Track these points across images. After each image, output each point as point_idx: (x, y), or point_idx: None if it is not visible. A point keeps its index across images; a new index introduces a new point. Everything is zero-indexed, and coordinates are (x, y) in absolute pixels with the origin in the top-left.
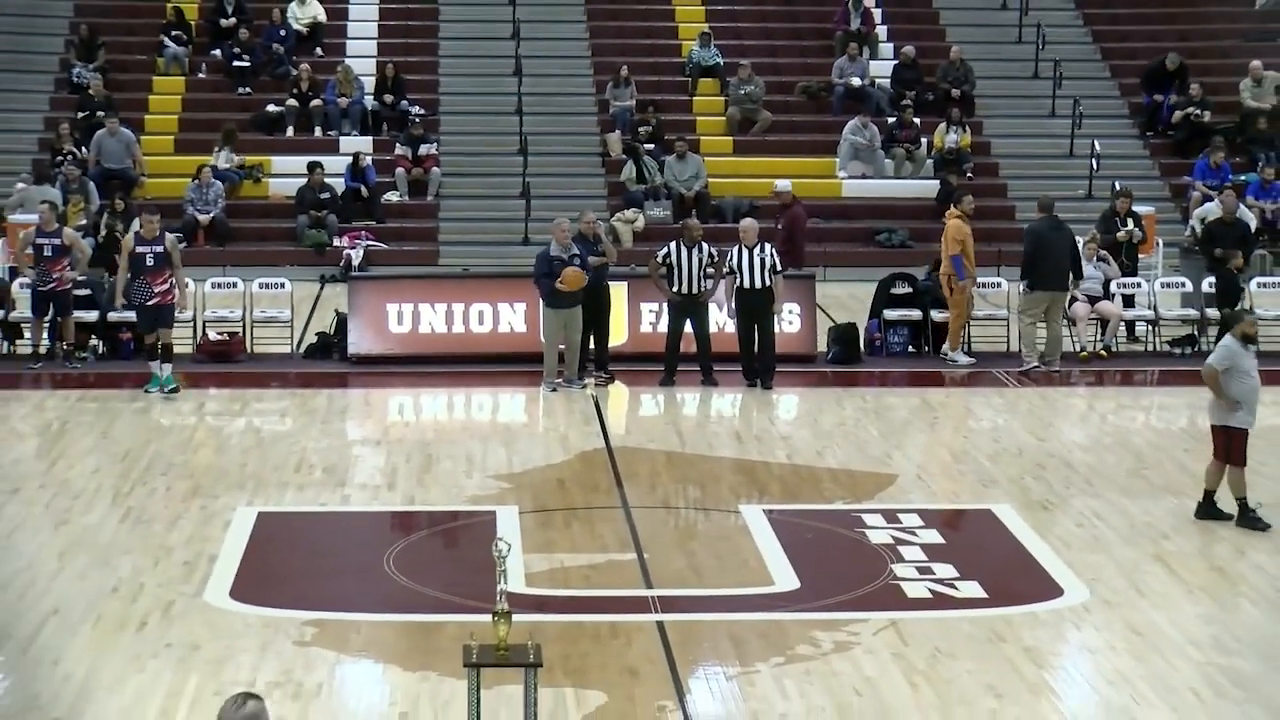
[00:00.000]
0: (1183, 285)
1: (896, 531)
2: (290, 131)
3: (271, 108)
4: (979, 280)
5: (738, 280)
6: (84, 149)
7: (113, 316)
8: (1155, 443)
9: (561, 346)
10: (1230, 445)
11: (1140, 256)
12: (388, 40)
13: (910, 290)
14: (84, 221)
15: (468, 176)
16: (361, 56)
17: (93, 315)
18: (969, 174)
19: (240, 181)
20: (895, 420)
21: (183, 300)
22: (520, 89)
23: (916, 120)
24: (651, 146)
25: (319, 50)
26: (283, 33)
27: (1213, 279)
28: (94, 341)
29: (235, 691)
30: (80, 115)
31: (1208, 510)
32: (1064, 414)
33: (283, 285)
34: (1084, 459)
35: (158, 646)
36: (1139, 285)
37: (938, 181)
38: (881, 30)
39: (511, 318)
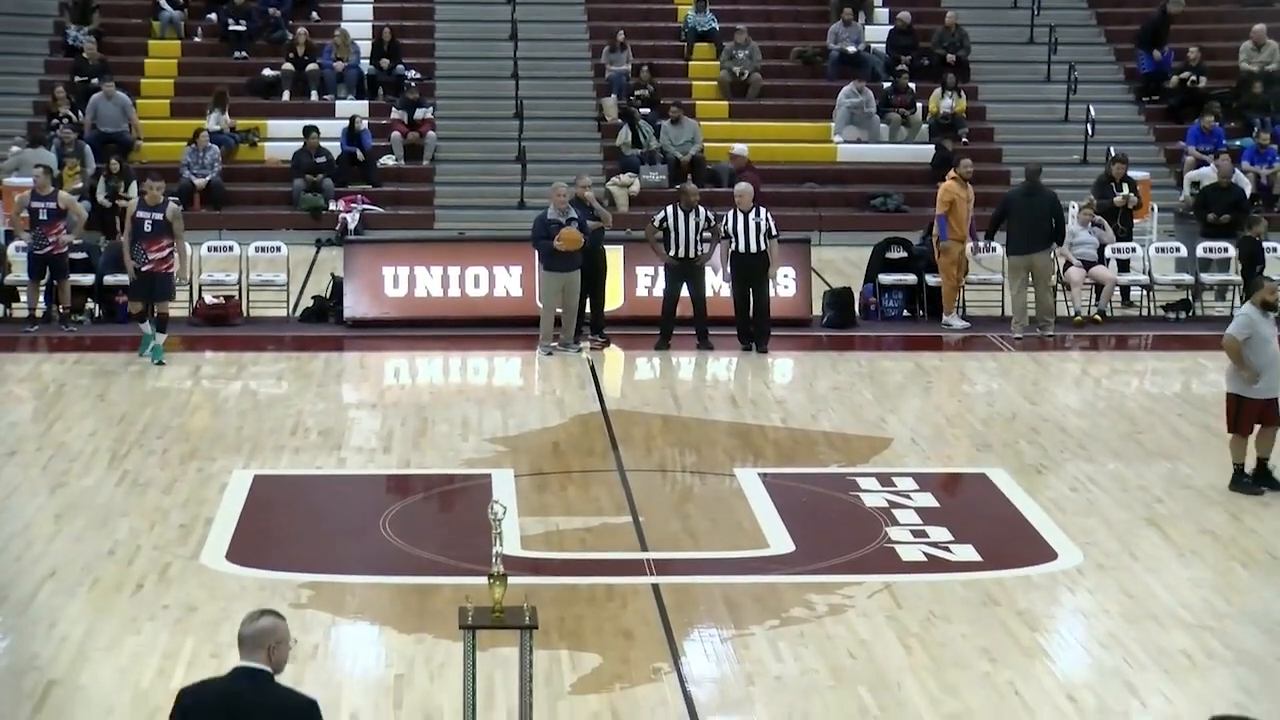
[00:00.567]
0: (1177, 250)
1: (891, 495)
2: (286, 96)
3: (268, 72)
4: (978, 245)
5: (733, 244)
6: (79, 113)
7: (109, 280)
8: (1149, 407)
9: (558, 310)
10: (1239, 414)
11: (1135, 221)
12: (384, 4)
13: (905, 255)
14: (80, 185)
15: (464, 141)
16: (358, 21)
17: (89, 279)
18: (964, 139)
19: (236, 145)
20: (890, 384)
21: (181, 270)
22: (516, 53)
23: (912, 85)
24: (647, 111)
25: (315, 14)
26: None
27: (1224, 245)
28: (90, 305)
29: (232, 657)
30: (76, 79)
31: (1246, 483)
32: (1058, 378)
33: (279, 249)
34: (1078, 423)
35: (155, 608)
36: (1134, 250)
37: (933, 147)
38: None
39: (507, 281)
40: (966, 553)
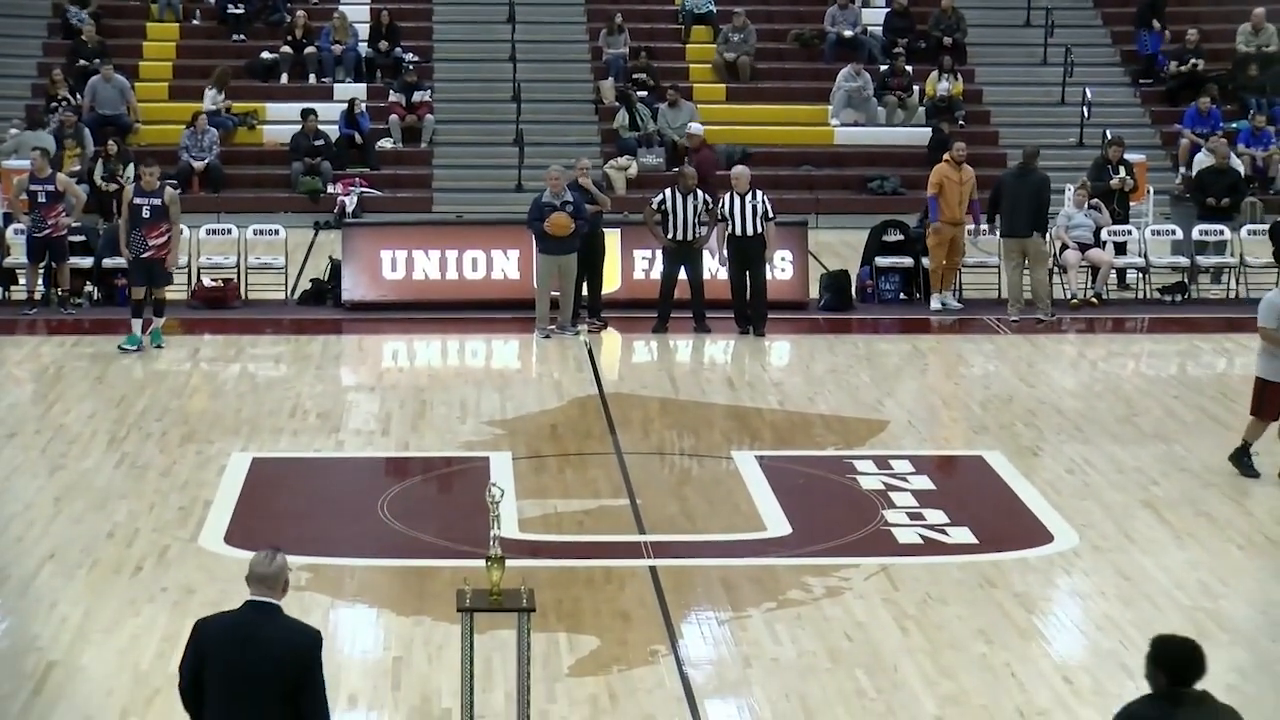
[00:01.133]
0: (1173, 233)
1: (888, 477)
2: (285, 78)
3: (266, 54)
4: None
5: (730, 227)
6: (78, 95)
7: (108, 263)
8: (1145, 389)
9: (555, 293)
10: (1263, 398)
11: (1131, 204)
12: None
13: (902, 238)
14: (79, 168)
15: (461, 124)
16: (356, 3)
17: (88, 261)
18: (961, 122)
19: (235, 128)
20: (887, 367)
21: (174, 256)
22: (514, 36)
23: (909, 68)
24: (645, 94)
25: None
26: None
27: (1220, 227)
28: (89, 288)
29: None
30: (76, 63)
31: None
32: (1054, 361)
33: (277, 232)
34: (1074, 406)
35: (153, 590)
36: (1130, 233)
37: (930, 129)
38: None
39: (505, 264)
40: (963, 535)
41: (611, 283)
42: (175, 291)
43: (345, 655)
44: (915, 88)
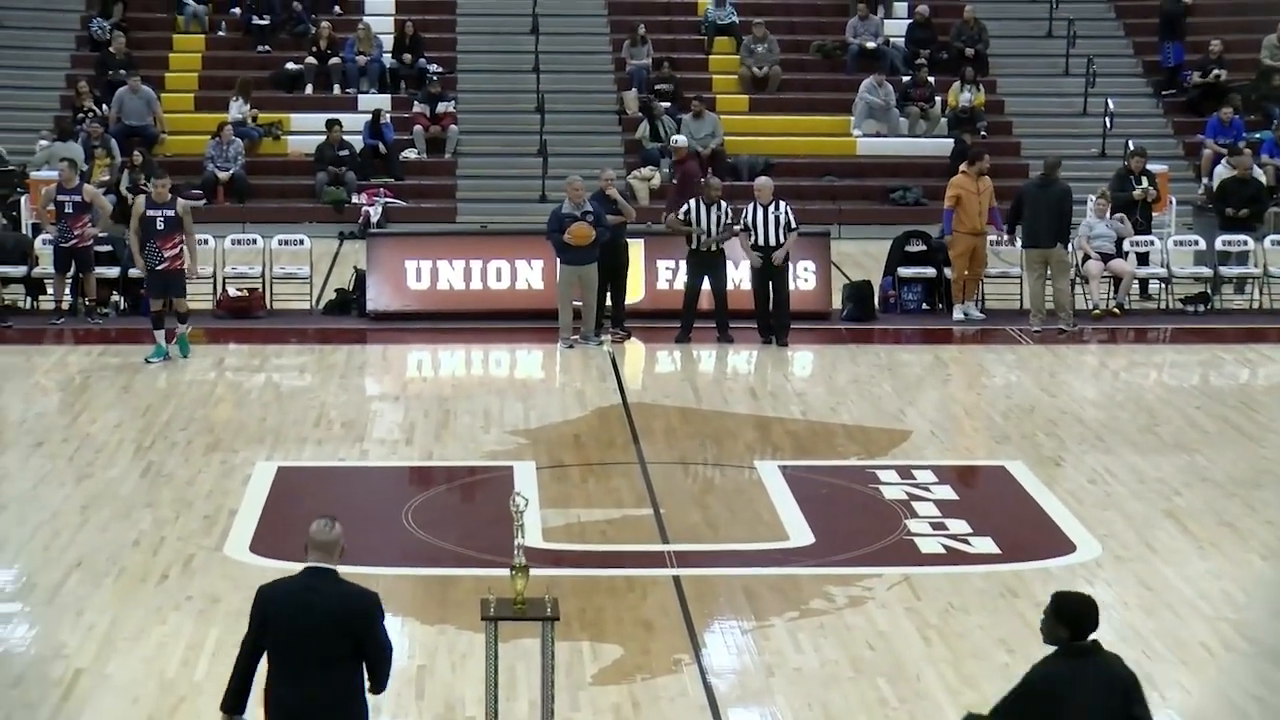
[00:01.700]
0: (1196, 243)
1: (910, 487)
2: (309, 89)
3: (291, 65)
4: (1001, 238)
5: (753, 238)
6: (105, 106)
7: (134, 272)
8: (1167, 400)
9: (578, 303)
10: None
11: (1154, 215)
12: None
13: (924, 248)
14: (107, 178)
15: (485, 134)
16: (380, 15)
17: (114, 271)
18: (983, 132)
19: (260, 139)
20: (909, 377)
21: (192, 266)
22: (537, 47)
23: (931, 79)
24: (668, 105)
25: (338, 8)
26: None
27: (1243, 238)
28: (115, 297)
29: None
30: (105, 75)
31: None
32: (1076, 371)
33: (302, 242)
34: (1096, 415)
35: (179, 599)
36: (1152, 243)
37: (952, 140)
38: None
39: (529, 274)
40: (985, 545)
41: (635, 293)
42: (200, 301)
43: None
44: (937, 98)
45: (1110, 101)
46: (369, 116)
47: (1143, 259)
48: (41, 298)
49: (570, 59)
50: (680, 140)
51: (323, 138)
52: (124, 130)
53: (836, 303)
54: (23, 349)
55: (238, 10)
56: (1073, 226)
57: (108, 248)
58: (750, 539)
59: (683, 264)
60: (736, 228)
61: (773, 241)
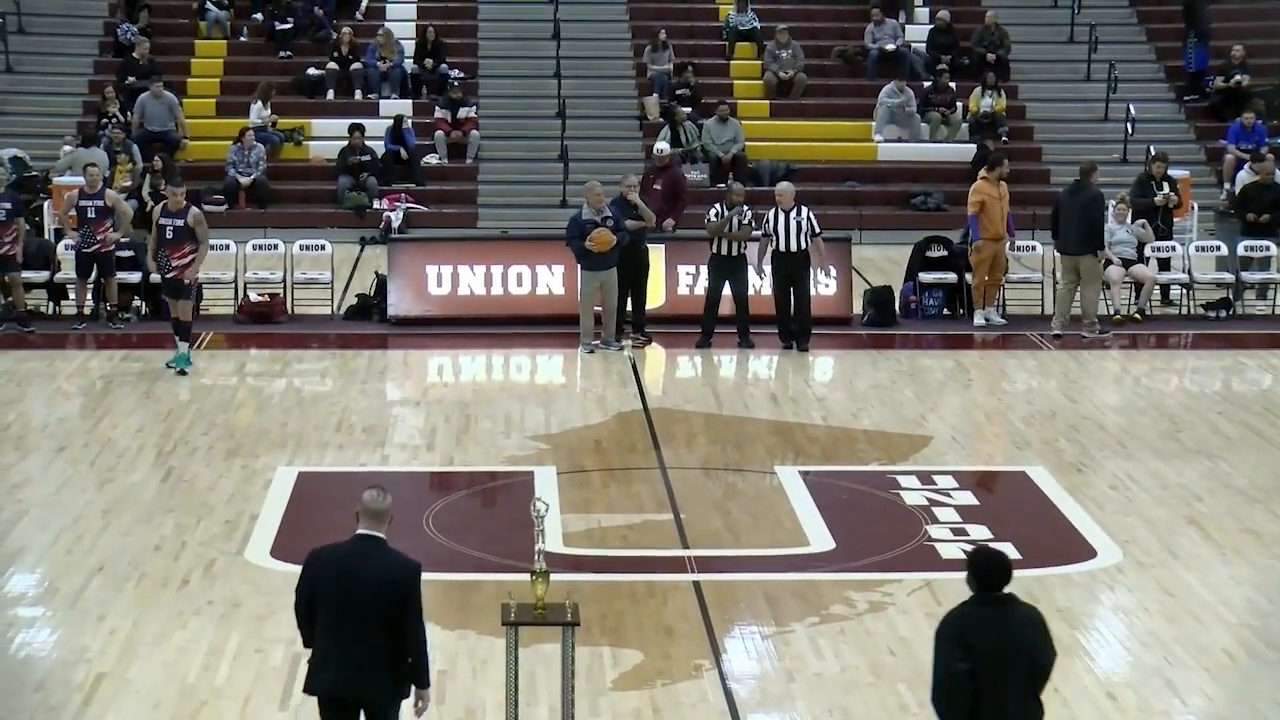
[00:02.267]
0: (1217, 249)
1: (931, 493)
2: (331, 94)
3: (312, 71)
4: (1015, 242)
5: (774, 243)
6: (128, 112)
7: (155, 278)
8: (1189, 405)
9: (599, 309)
10: None
11: (1175, 220)
12: (427, 4)
13: (945, 253)
14: (130, 184)
15: (506, 139)
16: (401, 20)
17: (136, 276)
18: (1004, 138)
19: (281, 144)
20: (930, 382)
21: (192, 271)
22: (558, 52)
23: (952, 84)
24: (689, 110)
25: (359, 14)
26: None
27: (1266, 243)
28: (137, 302)
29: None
30: (131, 80)
31: None
32: (1098, 377)
33: (323, 247)
34: (1117, 421)
35: (200, 603)
36: (1173, 249)
37: (973, 145)
38: None
39: (550, 280)
40: (1006, 551)
41: (655, 298)
42: (222, 306)
43: None
44: (958, 104)
45: (1132, 107)
46: (390, 122)
47: (1164, 264)
48: (63, 302)
49: (591, 64)
50: (663, 147)
51: (344, 143)
52: (146, 135)
53: (857, 308)
54: (45, 354)
55: (260, 16)
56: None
57: (129, 253)
58: (771, 544)
59: (703, 269)
60: (757, 233)
61: (794, 247)
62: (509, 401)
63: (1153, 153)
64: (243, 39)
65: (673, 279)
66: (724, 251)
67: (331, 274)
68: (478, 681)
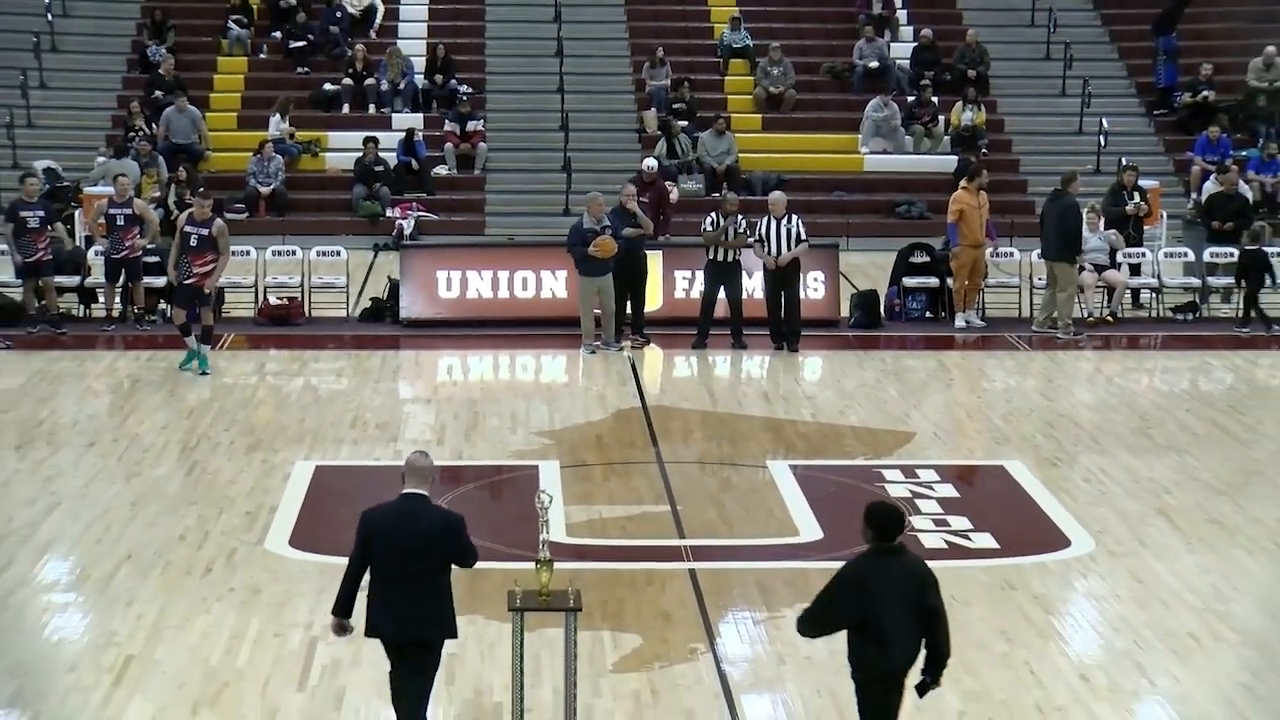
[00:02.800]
0: (1185, 255)
1: (914, 486)
2: (346, 109)
3: (328, 86)
4: (995, 249)
5: (766, 249)
6: (154, 125)
7: (162, 281)
8: (1158, 403)
9: (598, 311)
10: None
11: (1145, 228)
12: (437, 23)
13: (928, 259)
14: (157, 194)
15: (512, 151)
16: (412, 38)
17: (162, 281)
18: (984, 150)
19: (299, 155)
20: (913, 381)
21: (212, 280)
22: (562, 69)
23: (934, 99)
24: (685, 124)
25: (373, 32)
26: (339, 15)
27: (1230, 250)
28: (162, 306)
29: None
30: (157, 95)
31: None
32: (1072, 376)
33: (339, 253)
34: (1091, 418)
35: (222, 590)
36: (1144, 255)
37: (954, 157)
38: (902, 14)
39: (553, 284)
40: (985, 540)
41: (653, 301)
42: (242, 309)
43: None
44: (940, 118)
45: (1104, 120)
46: (403, 134)
47: (1135, 269)
48: (93, 306)
49: (593, 80)
50: (652, 164)
51: (359, 154)
52: (171, 148)
53: (845, 311)
54: (76, 354)
55: (279, 34)
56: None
57: (155, 259)
58: (763, 535)
59: (699, 274)
60: (751, 239)
61: (785, 251)
62: (515, 399)
63: (1124, 164)
64: (262, 56)
65: (670, 283)
66: (719, 258)
67: (347, 279)
68: (486, 663)
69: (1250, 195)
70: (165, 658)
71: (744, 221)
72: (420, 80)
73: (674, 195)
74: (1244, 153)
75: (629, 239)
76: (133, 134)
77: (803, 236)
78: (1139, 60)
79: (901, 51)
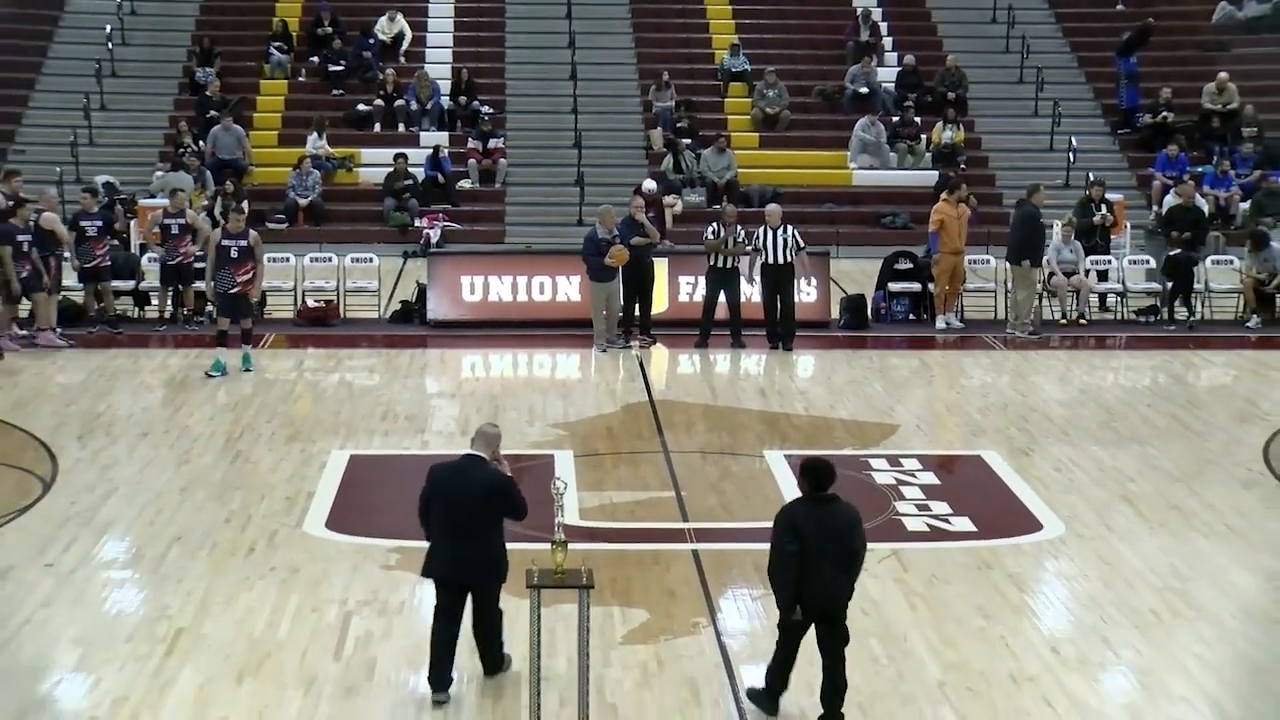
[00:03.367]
0: (1147, 262)
1: (898, 474)
2: (378, 127)
3: (361, 106)
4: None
5: (763, 256)
6: (202, 142)
7: (197, 286)
8: (1123, 399)
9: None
10: None
11: (1111, 237)
12: (462, 49)
13: (911, 266)
14: (205, 204)
15: (530, 167)
16: (439, 63)
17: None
18: (962, 165)
19: (335, 170)
20: (897, 378)
21: (256, 289)
22: (575, 91)
23: (917, 119)
24: (688, 141)
25: (402, 57)
26: (371, 42)
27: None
28: (210, 308)
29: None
30: (206, 114)
31: None
32: (1044, 373)
33: (371, 260)
34: (1061, 412)
35: (264, 569)
36: (1110, 262)
37: (935, 172)
38: (887, 41)
39: (568, 288)
40: (964, 524)
41: (660, 304)
42: (282, 311)
43: (429, 625)
44: (923, 136)
45: (1073, 139)
46: (430, 151)
47: (1102, 275)
48: (147, 308)
49: (604, 101)
50: (650, 185)
51: (389, 169)
52: (217, 163)
53: (835, 313)
54: (131, 352)
55: (316, 59)
56: (1044, 247)
57: (204, 264)
58: (760, 518)
59: (702, 279)
60: (749, 248)
61: (781, 259)
62: (532, 394)
63: (1091, 179)
64: (301, 79)
65: (675, 288)
66: (719, 264)
67: (378, 283)
68: (506, 636)
69: (1206, 208)
70: (212, 630)
71: (742, 231)
72: (446, 101)
73: (678, 207)
74: (1200, 169)
75: (637, 247)
76: (183, 150)
77: (799, 244)
78: (1104, 84)
79: (887, 76)
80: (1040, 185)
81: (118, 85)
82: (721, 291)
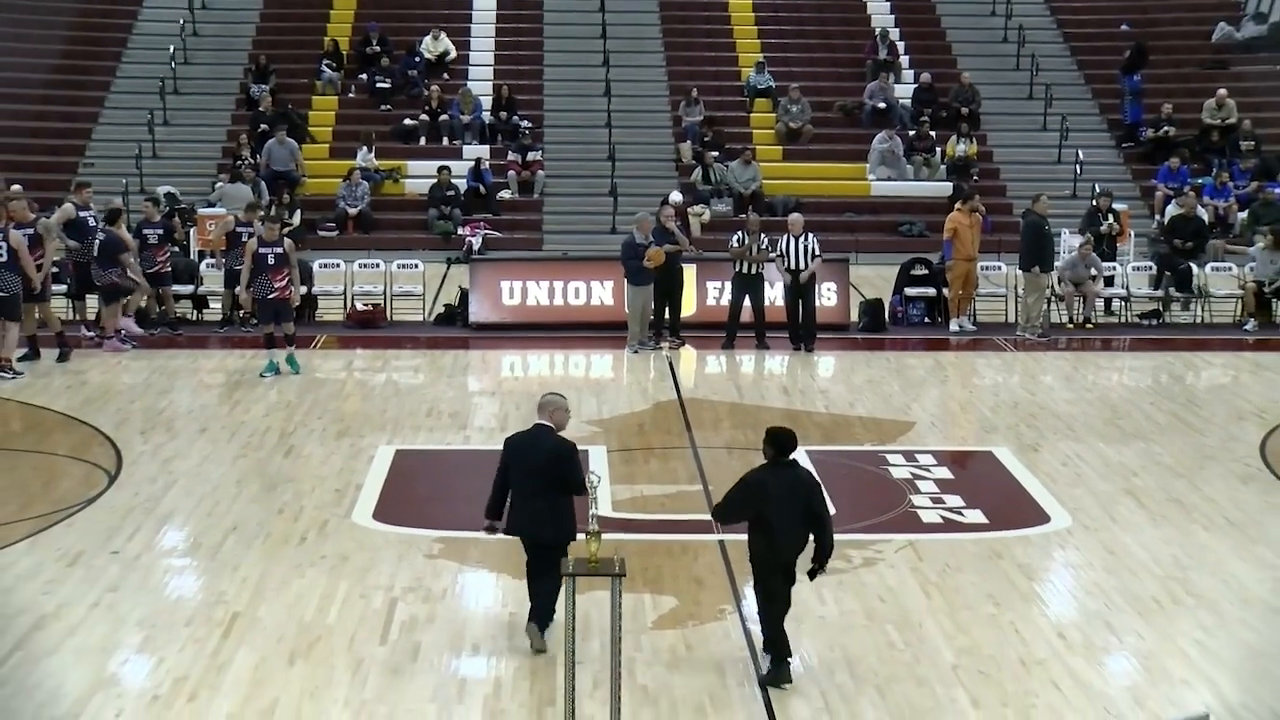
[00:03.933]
0: (1150, 269)
1: (914, 468)
2: (423, 141)
3: (408, 121)
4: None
5: (785, 263)
6: (257, 155)
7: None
8: (1127, 398)
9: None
10: None
11: (1117, 245)
12: (503, 66)
13: (926, 272)
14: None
15: (566, 178)
16: (481, 80)
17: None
18: (975, 177)
19: (382, 181)
20: (913, 378)
21: (295, 294)
22: (609, 107)
23: (932, 133)
24: (716, 154)
25: (446, 75)
26: (417, 60)
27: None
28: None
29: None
30: (259, 129)
31: None
32: (1052, 373)
33: (416, 266)
34: (1068, 410)
35: (315, 557)
36: (1115, 269)
37: (950, 183)
38: (904, 59)
39: (602, 293)
40: (976, 516)
41: (688, 308)
42: (333, 314)
43: (470, 611)
44: (938, 149)
45: (1080, 152)
46: (472, 163)
47: (1108, 281)
48: (205, 311)
49: (636, 116)
50: (676, 198)
51: (434, 180)
52: (272, 175)
53: (854, 317)
54: (190, 352)
55: (365, 76)
56: (1052, 253)
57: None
58: None
59: (728, 285)
60: (772, 254)
61: (803, 266)
62: (568, 392)
63: (1098, 190)
64: (351, 95)
65: (702, 292)
66: (744, 270)
67: (423, 288)
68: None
69: (1206, 217)
70: (266, 615)
71: (766, 239)
72: (487, 116)
73: (706, 216)
74: (1200, 180)
75: (668, 254)
76: (240, 163)
77: (816, 252)
78: (1109, 100)
79: (904, 92)
80: (1042, 195)
81: (180, 102)
82: (746, 296)
